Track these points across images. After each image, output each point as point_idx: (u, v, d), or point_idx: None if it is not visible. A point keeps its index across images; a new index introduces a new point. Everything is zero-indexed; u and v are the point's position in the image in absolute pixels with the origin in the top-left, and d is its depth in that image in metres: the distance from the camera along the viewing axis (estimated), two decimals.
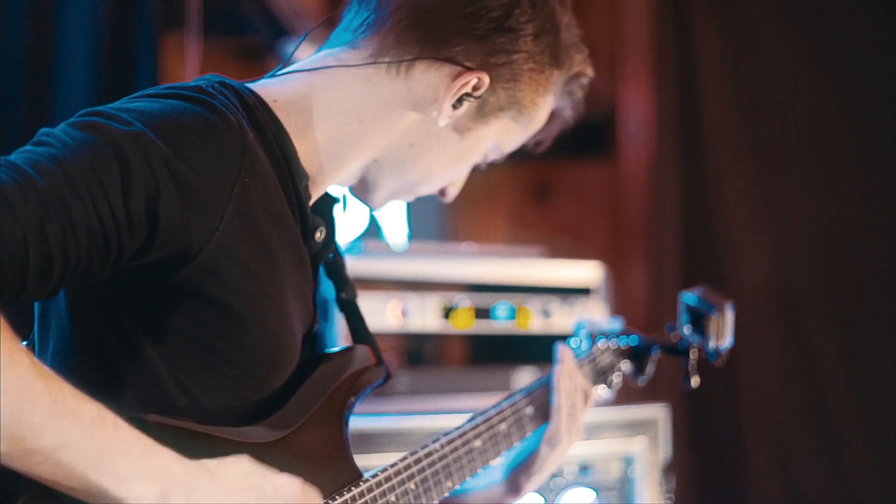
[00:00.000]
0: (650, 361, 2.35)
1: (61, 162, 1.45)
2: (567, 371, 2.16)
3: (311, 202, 1.84)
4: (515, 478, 2.15)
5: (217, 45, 3.68)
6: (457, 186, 2.04)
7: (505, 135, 1.97)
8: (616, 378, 2.33)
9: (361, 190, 1.95)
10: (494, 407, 2.05)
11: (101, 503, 1.41)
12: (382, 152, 1.88)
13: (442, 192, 2.03)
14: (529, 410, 2.11)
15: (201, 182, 1.55)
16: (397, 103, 1.85)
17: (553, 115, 2.07)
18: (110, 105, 1.58)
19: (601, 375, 2.29)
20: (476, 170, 2.05)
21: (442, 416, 2.78)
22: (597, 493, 3.05)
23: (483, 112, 1.90)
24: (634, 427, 3.10)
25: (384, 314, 3.00)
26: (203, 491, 1.46)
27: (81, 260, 1.46)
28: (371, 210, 2.01)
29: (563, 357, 2.20)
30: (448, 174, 1.97)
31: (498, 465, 2.16)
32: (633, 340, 2.34)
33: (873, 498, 4.23)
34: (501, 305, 3.21)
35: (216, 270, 1.58)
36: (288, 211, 1.74)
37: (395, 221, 3.61)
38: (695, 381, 2.30)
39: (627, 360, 2.34)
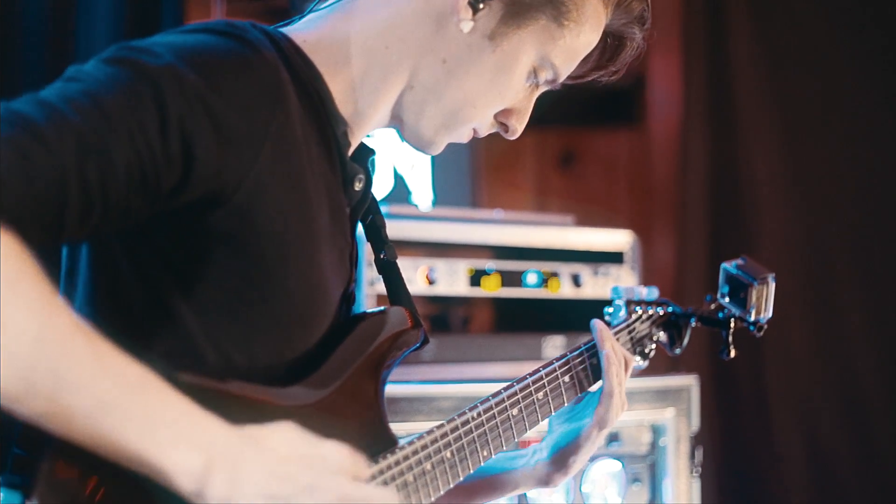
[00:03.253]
0: (687, 331, 2.30)
1: (96, 98, 1.40)
2: (612, 351, 2.08)
3: (351, 150, 1.79)
4: (563, 457, 2.08)
5: (242, 5, 3.63)
6: (519, 116, 1.85)
7: (550, 43, 1.78)
8: (651, 347, 2.28)
9: (407, 128, 1.83)
10: (531, 374, 2.00)
11: (141, 470, 1.36)
12: (415, 75, 1.77)
13: (504, 127, 1.87)
14: (566, 379, 2.05)
15: (237, 117, 1.50)
16: (420, 18, 1.75)
17: (621, 39, 1.90)
18: (141, 41, 1.53)
19: (637, 344, 2.24)
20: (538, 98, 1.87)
21: (469, 384, 2.75)
22: (623, 465, 3.02)
23: (514, 13, 1.75)
24: (664, 397, 3.06)
25: (411, 278, 2.95)
26: (248, 461, 1.41)
27: (121, 199, 1.41)
28: (426, 153, 1.87)
29: (605, 336, 2.09)
30: (494, 95, 1.80)
31: (544, 443, 2.12)
32: (671, 309, 2.29)
33: None
34: (531, 272, 3.16)
35: (250, 213, 1.53)
36: (325, 157, 1.69)
37: (420, 186, 3.56)
38: (733, 353, 2.25)
39: (663, 330, 2.29)
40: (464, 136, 1.86)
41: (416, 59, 1.77)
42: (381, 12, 1.77)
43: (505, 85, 1.80)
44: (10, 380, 1.28)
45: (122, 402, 1.33)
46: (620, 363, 2.08)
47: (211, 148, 1.47)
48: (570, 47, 1.82)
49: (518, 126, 1.87)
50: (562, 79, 1.86)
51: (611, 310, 2.29)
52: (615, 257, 3.29)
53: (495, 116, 1.85)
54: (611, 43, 1.91)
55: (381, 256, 1.95)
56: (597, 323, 2.12)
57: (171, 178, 1.45)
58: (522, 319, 3.22)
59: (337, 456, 1.50)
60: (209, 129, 1.47)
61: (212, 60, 1.52)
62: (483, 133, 1.87)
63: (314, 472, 1.46)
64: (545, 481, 2.10)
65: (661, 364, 2.33)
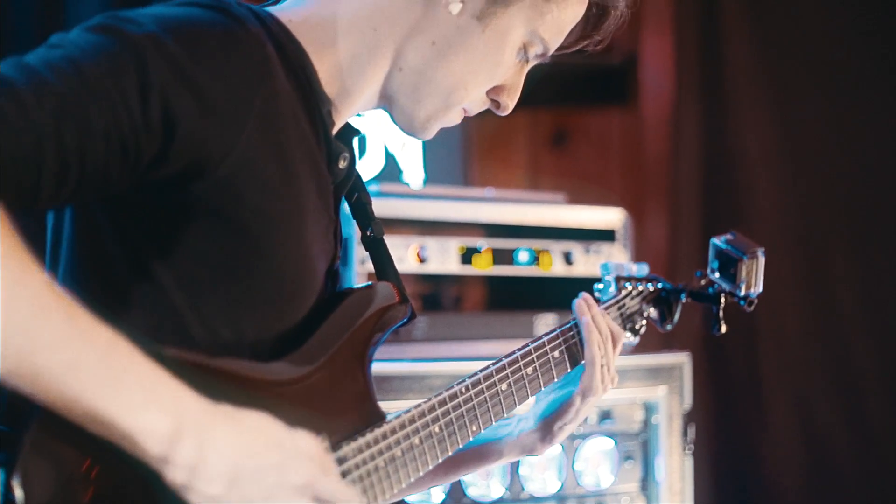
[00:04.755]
0: (678, 307, 2.29)
1: (77, 64, 1.40)
2: (594, 321, 2.08)
3: (335, 130, 1.77)
4: (548, 426, 2.08)
5: None
6: (510, 93, 1.84)
7: (538, 18, 1.78)
8: (642, 324, 2.27)
9: (398, 112, 1.81)
10: (520, 350, 1.99)
11: (108, 434, 1.35)
12: (403, 57, 1.76)
13: (496, 104, 1.85)
14: (556, 354, 2.04)
15: (220, 89, 1.49)
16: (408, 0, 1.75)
17: (604, 8, 1.87)
18: (127, 11, 1.52)
19: (627, 320, 2.23)
20: (530, 71, 1.87)
21: (460, 362, 2.75)
22: (616, 442, 3.02)
23: None
24: (656, 375, 3.06)
25: (402, 257, 2.95)
26: (219, 432, 1.40)
27: (98, 165, 1.40)
28: (418, 137, 1.85)
29: (587, 306, 2.09)
30: (485, 75, 1.79)
31: (530, 412, 2.11)
32: (661, 285, 2.28)
33: (892, 448, 4.20)
34: (523, 250, 3.15)
35: (235, 187, 1.52)
36: (311, 134, 1.68)
37: (411, 164, 3.55)
38: (724, 328, 2.25)
39: (653, 306, 2.29)
40: (455, 118, 1.84)
41: (404, 41, 1.75)
42: None
43: (495, 64, 1.79)
44: None
45: (92, 364, 1.32)
46: (604, 333, 2.07)
47: (192, 118, 1.46)
48: (557, 21, 1.81)
49: (509, 102, 1.86)
50: (551, 52, 1.84)
51: (601, 286, 2.28)
52: (607, 235, 3.28)
53: (486, 93, 1.84)
54: (595, 13, 1.89)
55: (368, 234, 1.94)
56: (583, 296, 2.11)
57: (152, 146, 1.45)
58: (514, 297, 3.22)
59: (309, 445, 1.50)
60: (191, 99, 1.46)
61: (196, 32, 1.51)
62: (474, 111, 1.86)
63: (285, 454, 1.46)
64: (530, 449, 2.10)
65: (653, 342, 2.32)
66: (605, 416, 3.03)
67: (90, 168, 1.40)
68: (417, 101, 1.78)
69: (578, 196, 3.51)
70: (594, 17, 1.90)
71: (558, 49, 1.88)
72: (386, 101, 1.82)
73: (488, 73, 1.79)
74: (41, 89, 1.35)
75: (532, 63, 1.86)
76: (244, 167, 1.53)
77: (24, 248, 1.31)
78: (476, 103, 1.84)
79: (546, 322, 3.16)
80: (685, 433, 3.07)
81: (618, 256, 3.26)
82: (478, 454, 2.11)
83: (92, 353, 1.32)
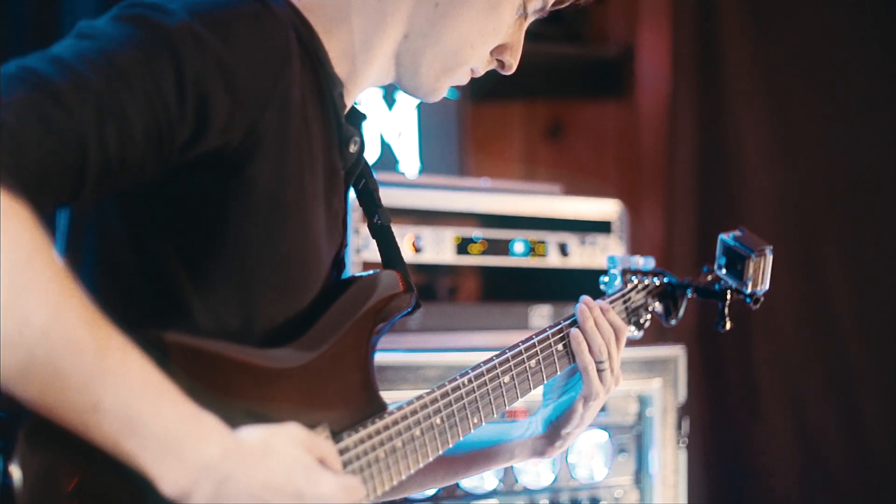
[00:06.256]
0: (683, 302, 2.28)
1: (112, 58, 1.38)
2: (597, 324, 2.04)
3: (345, 112, 1.77)
4: (556, 430, 2.06)
5: None
6: (513, 51, 1.86)
7: None
8: (647, 318, 2.26)
9: (406, 78, 1.82)
10: (524, 342, 1.97)
11: (126, 464, 1.35)
12: (409, 24, 1.77)
13: (500, 63, 1.87)
14: (560, 347, 2.02)
15: (247, 74, 1.49)
16: None
17: None
18: None
19: (632, 314, 2.21)
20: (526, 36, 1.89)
21: (455, 353, 2.74)
22: (610, 435, 3.02)
23: None
24: (651, 368, 3.06)
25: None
26: (238, 475, 1.40)
27: (137, 161, 1.39)
28: (428, 100, 1.86)
29: (588, 312, 2.05)
30: (489, 32, 1.80)
31: (538, 415, 2.10)
32: (667, 279, 2.27)
33: (885, 442, 4.21)
34: (518, 241, 3.14)
35: (249, 171, 1.52)
36: (323, 118, 1.67)
37: (407, 154, 3.54)
38: (729, 324, 2.24)
39: (658, 300, 2.27)
40: (464, 78, 1.85)
41: (408, 7, 1.76)
42: None
43: (498, 20, 1.81)
44: (7, 363, 1.25)
45: (117, 407, 1.31)
46: (606, 336, 2.04)
47: (224, 106, 1.46)
48: None
49: (513, 61, 1.87)
50: (549, 7, 1.87)
51: (606, 279, 2.26)
52: (603, 226, 3.27)
53: (490, 53, 1.85)
54: None
55: (375, 220, 1.93)
56: (583, 299, 2.08)
57: (184, 135, 1.44)
58: (509, 288, 3.21)
59: (331, 489, 1.48)
60: (223, 88, 1.46)
61: (225, 16, 1.50)
62: (481, 72, 1.87)
63: (304, 499, 1.45)
64: (540, 452, 2.09)
65: (648, 334, 2.30)
66: (600, 408, 3.02)
67: (129, 165, 1.39)
68: (424, 64, 1.79)
69: (574, 187, 3.51)
70: None
71: (553, 5, 1.89)
72: (393, 70, 1.82)
73: (493, 29, 1.81)
74: (80, 87, 1.34)
75: (531, 19, 1.88)
76: (260, 151, 1.52)
77: (63, 270, 1.30)
78: (482, 63, 1.85)
79: (541, 313, 3.15)
80: (679, 426, 3.07)
81: (613, 248, 3.25)
82: (487, 455, 2.10)
83: (116, 397, 1.31)
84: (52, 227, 1.55)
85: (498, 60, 1.87)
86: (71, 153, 1.32)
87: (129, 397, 1.32)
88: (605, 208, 3.29)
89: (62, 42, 1.41)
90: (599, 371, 2.03)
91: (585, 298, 2.08)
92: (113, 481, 1.39)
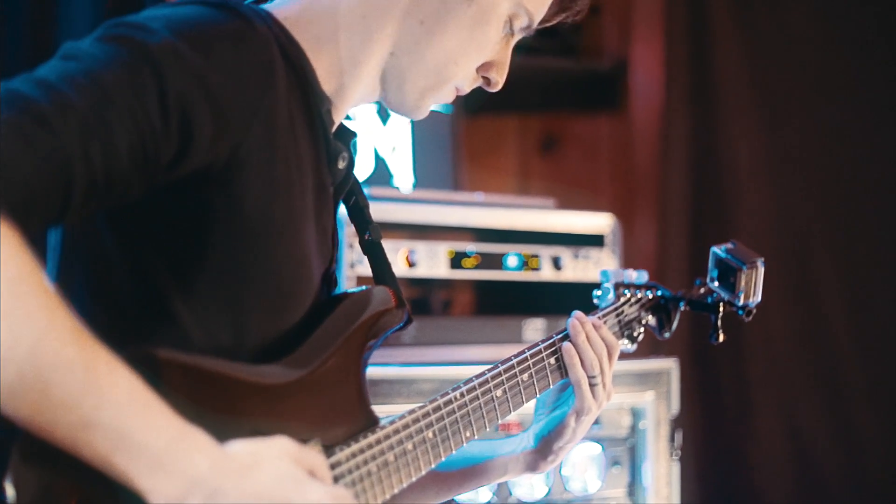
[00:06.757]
0: (676, 315, 2.30)
1: (96, 78, 1.39)
2: (589, 339, 2.05)
3: (333, 128, 1.78)
4: (548, 444, 2.07)
5: None
6: (499, 68, 1.86)
7: None
8: (640, 331, 2.28)
9: (391, 94, 1.82)
10: (516, 355, 1.99)
11: (117, 480, 1.36)
12: (395, 41, 1.77)
13: (486, 80, 1.87)
14: (552, 361, 2.04)
15: (231, 92, 1.50)
16: None
17: None
18: (135, 16, 1.52)
19: (626, 327, 2.23)
20: (514, 53, 1.89)
21: (449, 367, 2.75)
22: (603, 448, 3.03)
23: None
24: (644, 380, 3.06)
25: (391, 261, 2.94)
26: (228, 489, 1.40)
27: (122, 180, 1.41)
28: (412, 117, 1.87)
29: (580, 326, 2.06)
30: (474, 49, 1.80)
31: (531, 430, 2.11)
32: (660, 293, 2.29)
33: (879, 452, 4.22)
34: (512, 255, 3.16)
35: (237, 188, 1.53)
36: (309, 135, 1.68)
37: (401, 168, 3.55)
38: (721, 337, 2.25)
39: (652, 314, 2.29)
40: (448, 96, 1.85)
41: (394, 25, 1.76)
42: None
43: (484, 37, 1.81)
44: None
45: (106, 423, 1.32)
46: (598, 351, 2.05)
47: (207, 122, 1.47)
48: None
49: (499, 78, 1.87)
50: (536, 24, 1.86)
51: (599, 292, 2.28)
52: (596, 240, 3.29)
53: (476, 70, 1.85)
54: None
55: (367, 237, 1.94)
56: (575, 314, 2.09)
57: (169, 153, 1.45)
58: (503, 302, 3.23)
59: (322, 499, 1.48)
60: (206, 104, 1.47)
61: (207, 33, 1.51)
62: (466, 89, 1.87)
63: None
64: (532, 467, 2.09)
65: (641, 347, 2.32)
66: (593, 421, 3.03)
67: (115, 184, 1.40)
68: (410, 80, 1.80)
69: (568, 201, 3.51)
70: None
71: (540, 23, 1.90)
72: (380, 87, 1.82)
73: (477, 47, 1.81)
74: (64, 108, 1.35)
75: (518, 36, 1.87)
76: (247, 168, 1.53)
77: (50, 291, 1.31)
78: (467, 81, 1.85)
79: (535, 326, 3.16)
80: (672, 439, 3.08)
81: (606, 261, 3.26)
82: (481, 471, 2.11)
83: (106, 413, 1.32)
84: (42, 245, 1.57)
85: (484, 77, 1.87)
86: (56, 172, 1.33)
87: (118, 413, 1.33)
88: (599, 222, 3.30)
89: (47, 64, 1.42)
90: (592, 386, 2.04)
91: (577, 314, 2.09)
92: (107, 500, 1.40)
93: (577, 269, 3.23)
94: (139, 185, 1.44)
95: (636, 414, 3.08)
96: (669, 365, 3.10)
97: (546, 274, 3.20)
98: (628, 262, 3.41)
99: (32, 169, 1.31)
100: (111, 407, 1.33)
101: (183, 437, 1.39)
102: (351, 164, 1.83)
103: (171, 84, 1.43)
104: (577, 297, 2.31)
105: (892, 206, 4.31)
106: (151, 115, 1.42)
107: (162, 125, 1.42)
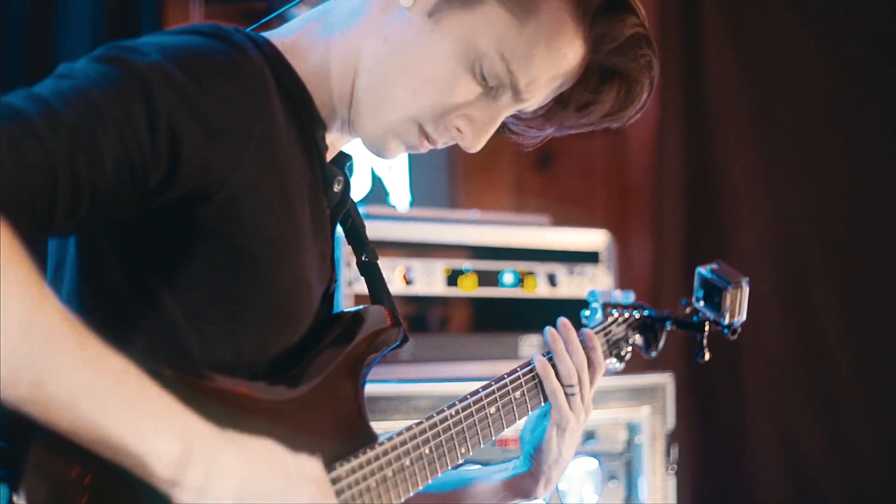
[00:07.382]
0: (663, 334, 2.32)
1: (87, 94, 1.43)
2: (568, 349, 2.04)
3: (330, 153, 1.81)
4: (538, 465, 2.07)
5: (220, 7, 3.63)
6: (474, 126, 1.72)
7: (499, 30, 1.66)
8: (627, 350, 2.30)
9: (359, 123, 1.75)
10: (508, 374, 2.02)
11: (118, 458, 1.38)
12: (362, 59, 1.72)
13: (458, 132, 1.73)
14: None
15: (222, 115, 1.53)
16: (372, 1, 1.74)
17: (626, 78, 1.79)
18: (130, 40, 1.55)
19: (613, 347, 2.25)
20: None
21: (446, 383, 2.77)
22: (599, 462, 3.05)
23: None
24: (639, 395, 3.08)
25: (388, 279, 2.96)
26: (226, 456, 1.43)
27: (109, 193, 1.43)
28: (377, 153, 1.78)
29: (556, 336, 2.06)
30: (434, 81, 1.68)
31: (521, 456, 2.10)
32: (646, 312, 2.31)
33: (874, 467, 4.23)
34: (508, 272, 3.18)
35: (235, 210, 1.56)
36: (305, 158, 1.71)
37: (398, 187, 3.58)
38: (707, 355, 2.28)
39: (639, 333, 2.32)
40: (412, 138, 1.75)
41: (364, 41, 1.73)
42: (344, 7, 1.78)
43: (444, 70, 1.68)
44: None
45: (104, 391, 1.35)
46: (577, 362, 2.04)
47: (197, 144, 1.50)
48: (524, 46, 1.68)
49: (469, 134, 1.74)
50: (522, 84, 1.70)
51: (587, 313, 2.30)
52: (591, 257, 3.31)
53: (451, 120, 1.73)
54: (620, 85, 1.82)
55: (363, 258, 1.97)
56: (560, 321, 2.09)
57: (159, 172, 1.48)
58: (499, 319, 3.25)
59: (312, 468, 1.53)
60: (195, 125, 1.49)
61: (199, 60, 1.54)
62: (435, 137, 1.75)
63: (289, 477, 1.49)
64: (526, 493, 2.09)
65: (636, 362, 2.35)
66: (589, 436, 3.05)
67: (101, 196, 1.43)
68: (373, 109, 1.73)
69: (563, 218, 3.53)
70: (622, 95, 1.83)
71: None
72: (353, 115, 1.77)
73: (438, 79, 1.69)
74: (54, 120, 1.39)
75: (507, 106, 1.74)
76: (244, 190, 1.56)
77: (38, 276, 1.34)
78: (433, 123, 1.73)
79: (530, 343, 3.19)
80: (668, 453, 3.10)
81: (601, 278, 3.29)
82: (475, 494, 2.11)
83: (103, 381, 1.35)
84: (42, 259, 1.60)
85: (457, 129, 1.74)
86: (42, 181, 1.36)
87: (115, 380, 1.36)
88: (593, 239, 3.33)
89: (42, 82, 1.46)
90: (569, 396, 2.03)
91: (562, 320, 2.10)
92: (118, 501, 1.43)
93: (572, 285, 3.26)
94: (129, 201, 1.47)
95: (632, 429, 3.10)
96: (665, 380, 3.12)
97: (541, 290, 3.23)
98: (623, 278, 3.43)
99: (19, 175, 1.34)
100: (108, 375, 1.36)
101: (178, 407, 1.42)
102: (346, 187, 1.85)
103: (160, 103, 1.46)
104: (573, 313, 2.33)
105: (886, 220, 4.34)
106: (139, 131, 1.45)
107: (150, 142, 1.45)
